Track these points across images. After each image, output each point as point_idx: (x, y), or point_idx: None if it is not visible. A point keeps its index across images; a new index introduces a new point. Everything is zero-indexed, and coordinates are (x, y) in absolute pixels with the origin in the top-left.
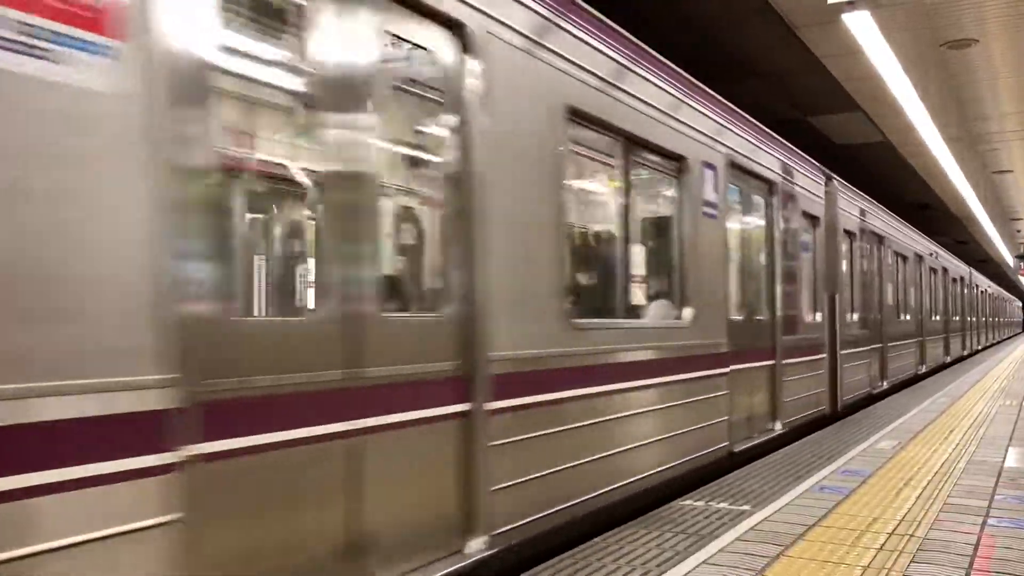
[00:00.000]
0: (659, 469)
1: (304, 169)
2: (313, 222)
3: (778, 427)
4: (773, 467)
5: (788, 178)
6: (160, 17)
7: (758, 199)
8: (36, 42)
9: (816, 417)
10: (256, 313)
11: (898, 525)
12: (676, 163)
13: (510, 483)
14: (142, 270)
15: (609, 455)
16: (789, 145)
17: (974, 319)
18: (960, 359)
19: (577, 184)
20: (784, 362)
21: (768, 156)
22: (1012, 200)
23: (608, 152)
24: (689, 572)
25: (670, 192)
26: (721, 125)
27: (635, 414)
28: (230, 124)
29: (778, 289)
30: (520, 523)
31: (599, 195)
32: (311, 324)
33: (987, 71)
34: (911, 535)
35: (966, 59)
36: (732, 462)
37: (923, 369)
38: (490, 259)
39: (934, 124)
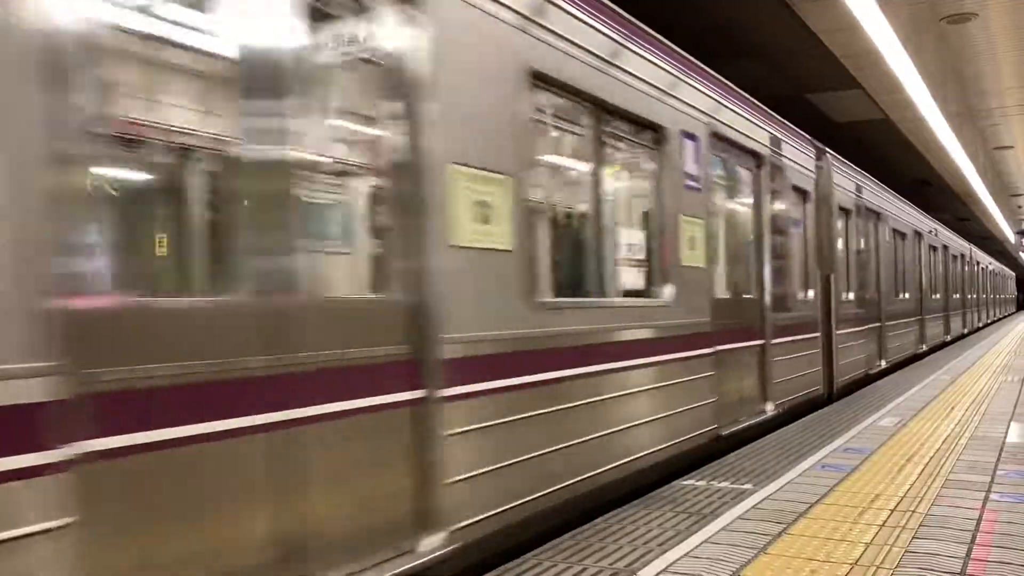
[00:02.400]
0: None
1: None
2: None
3: None
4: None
5: None
6: None
7: None
8: None
9: None
10: None
11: (900, 502)
12: None
13: None
14: None
15: None
16: None
17: (896, 298)
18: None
19: None
20: None
21: None
22: (1013, 176)
23: None
24: (691, 551)
25: None
26: None
27: None
28: None
29: None
30: None
31: None
32: None
33: (987, 46)
34: (913, 511)
35: (965, 33)
36: None
37: None
38: None
39: (934, 100)
